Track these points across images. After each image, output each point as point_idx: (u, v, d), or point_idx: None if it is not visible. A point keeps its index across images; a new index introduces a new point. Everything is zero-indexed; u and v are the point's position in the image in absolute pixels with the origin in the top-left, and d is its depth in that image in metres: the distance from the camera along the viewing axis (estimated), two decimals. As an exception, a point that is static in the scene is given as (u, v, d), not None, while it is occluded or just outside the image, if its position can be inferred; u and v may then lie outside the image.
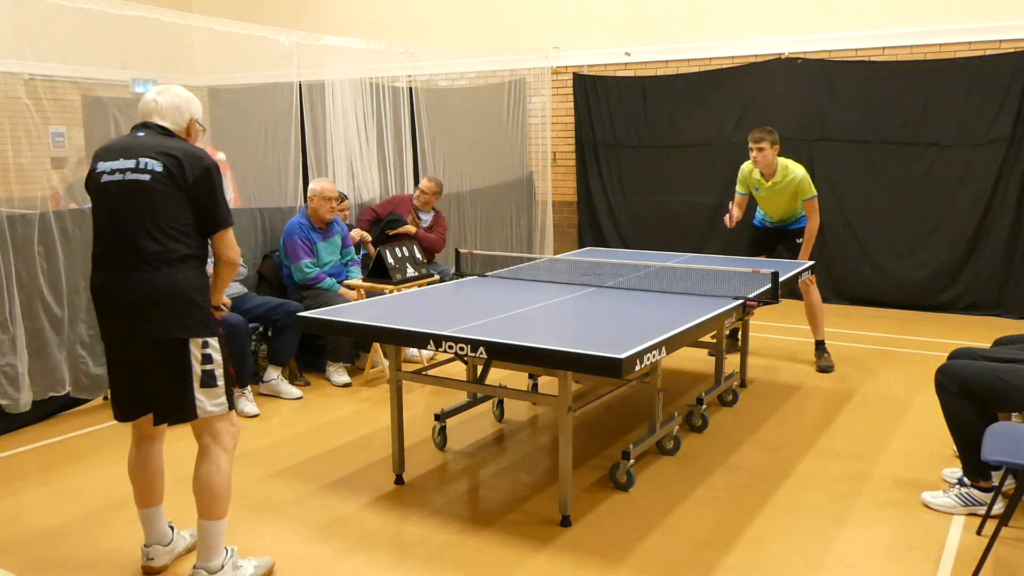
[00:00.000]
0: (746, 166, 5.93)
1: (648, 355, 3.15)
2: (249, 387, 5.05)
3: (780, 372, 5.75)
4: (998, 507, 3.38)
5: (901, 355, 6.18)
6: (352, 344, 5.85)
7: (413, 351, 5.89)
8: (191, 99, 3.00)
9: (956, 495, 3.57)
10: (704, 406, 4.60)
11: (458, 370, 4.79)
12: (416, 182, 7.24)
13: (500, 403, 4.83)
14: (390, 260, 5.72)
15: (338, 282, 5.73)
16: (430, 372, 4.40)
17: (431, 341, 3.40)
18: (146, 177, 2.79)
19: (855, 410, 4.93)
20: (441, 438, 4.39)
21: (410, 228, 6.53)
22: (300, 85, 6.36)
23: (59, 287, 4.76)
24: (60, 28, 4.68)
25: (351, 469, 4.13)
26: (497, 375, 4.35)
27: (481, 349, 3.28)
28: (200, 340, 2.84)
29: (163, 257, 2.78)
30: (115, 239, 2.82)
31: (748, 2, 8.20)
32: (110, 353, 2.97)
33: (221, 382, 2.89)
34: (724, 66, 8.33)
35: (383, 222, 6.57)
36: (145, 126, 2.93)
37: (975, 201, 7.37)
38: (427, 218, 6.73)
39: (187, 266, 2.84)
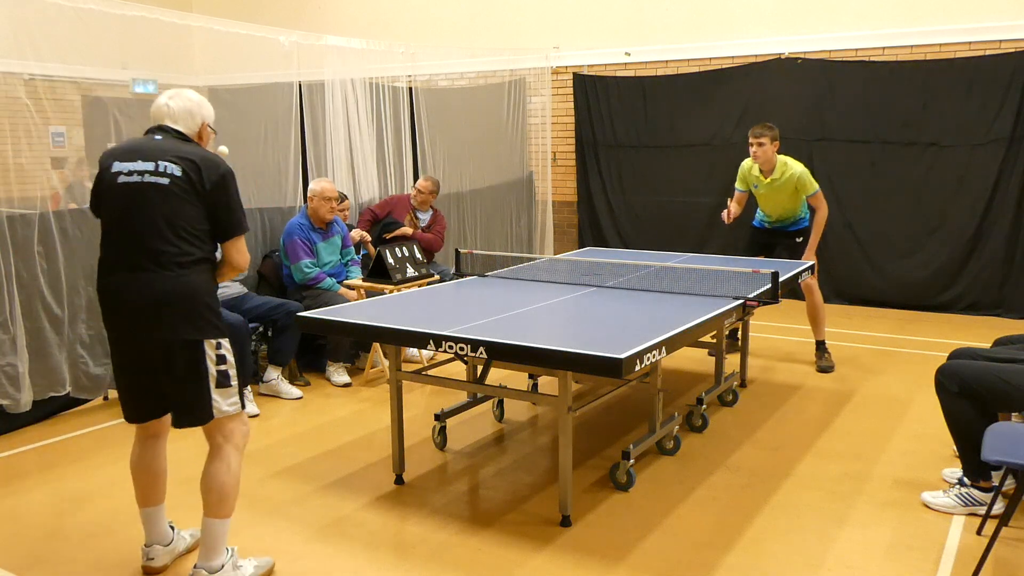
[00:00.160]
0: (746, 163, 5.94)
1: (648, 355, 3.16)
2: (249, 387, 5.05)
3: (780, 372, 5.74)
4: (998, 507, 3.38)
5: (901, 355, 6.18)
6: (352, 344, 5.85)
7: (413, 351, 5.89)
8: (203, 103, 3.01)
9: (956, 495, 3.57)
10: (704, 406, 4.60)
11: (458, 370, 4.79)
12: (416, 182, 7.23)
13: (500, 403, 4.83)
14: (390, 260, 5.72)
15: (338, 282, 5.73)
16: (430, 372, 4.40)
17: (431, 341, 3.41)
18: (165, 180, 2.80)
19: (855, 410, 4.93)
20: (441, 438, 4.39)
21: (406, 230, 6.51)
22: (300, 85, 6.36)
23: (59, 287, 4.75)
24: (60, 28, 4.68)
25: (351, 469, 4.13)
26: (497, 375, 4.35)
27: (481, 349, 3.28)
28: (214, 341, 2.85)
29: (176, 259, 2.79)
30: (126, 240, 2.82)
31: (748, 2, 8.20)
32: (118, 355, 2.96)
33: (235, 382, 2.91)
34: (724, 66, 8.33)
35: (380, 223, 6.56)
36: (161, 129, 2.94)
37: (975, 201, 7.37)
38: (425, 217, 6.72)
39: (199, 268, 2.85)
